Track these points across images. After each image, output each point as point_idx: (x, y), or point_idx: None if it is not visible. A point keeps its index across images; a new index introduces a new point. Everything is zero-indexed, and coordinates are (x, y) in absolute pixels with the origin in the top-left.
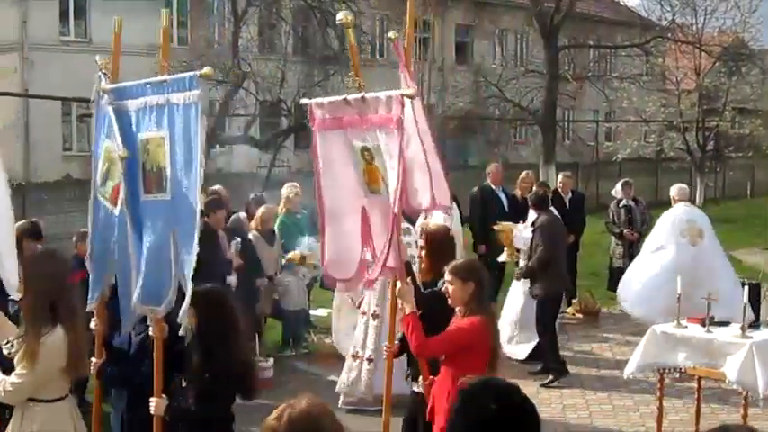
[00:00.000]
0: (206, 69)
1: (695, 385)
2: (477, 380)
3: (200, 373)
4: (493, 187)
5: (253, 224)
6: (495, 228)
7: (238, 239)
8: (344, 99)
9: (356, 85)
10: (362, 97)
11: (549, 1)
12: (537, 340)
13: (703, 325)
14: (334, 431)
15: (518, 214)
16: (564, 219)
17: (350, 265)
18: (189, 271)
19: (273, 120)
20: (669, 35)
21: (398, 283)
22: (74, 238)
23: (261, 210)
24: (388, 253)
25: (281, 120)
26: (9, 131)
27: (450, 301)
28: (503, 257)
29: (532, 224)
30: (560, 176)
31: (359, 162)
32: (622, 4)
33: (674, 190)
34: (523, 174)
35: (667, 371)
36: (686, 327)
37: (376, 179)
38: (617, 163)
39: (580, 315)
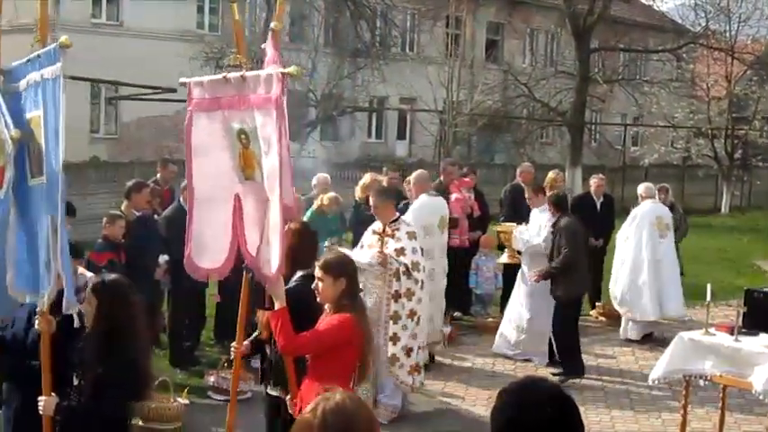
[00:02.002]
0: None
1: (719, 394)
2: (523, 382)
3: (94, 368)
4: (524, 186)
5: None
6: (496, 228)
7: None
8: (224, 77)
9: (237, 63)
10: (242, 76)
11: (582, 2)
12: (544, 347)
13: (731, 333)
14: (369, 425)
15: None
16: (594, 222)
17: (216, 254)
18: (67, 261)
19: (301, 111)
20: (702, 41)
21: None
22: (103, 220)
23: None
24: (261, 243)
25: (309, 110)
26: None
27: (319, 299)
28: (503, 259)
29: (553, 225)
30: (593, 179)
31: (235, 146)
32: (656, 8)
33: (642, 188)
34: (553, 173)
35: (693, 378)
36: (714, 335)
37: (251, 164)
38: (643, 168)
39: (603, 318)
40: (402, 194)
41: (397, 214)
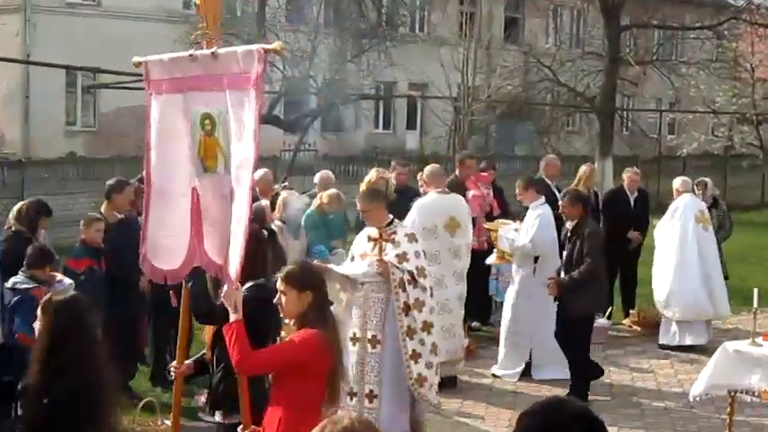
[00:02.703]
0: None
1: (765, 410)
2: (547, 401)
3: (37, 398)
4: (548, 181)
5: (276, 212)
6: (485, 225)
7: (265, 233)
8: (190, 55)
9: (205, 39)
10: (213, 53)
11: None
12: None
13: None
14: None
15: None
16: (628, 219)
17: (175, 255)
18: None
19: (301, 98)
20: (745, 17)
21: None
22: (81, 223)
23: (283, 195)
24: (224, 245)
25: (309, 98)
26: (7, 102)
27: (282, 314)
28: (491, 259)
29: (574, 230)
30: (627, 172)
31: (196, 133)
32: None
33: (678, 182)
34: (587, 167)
35: (739, 394)
36: (762, 345)
37: (213, 154)
38: (681, 158)
39: (638, 327)
40: (416, 191)
41: (390, 216)
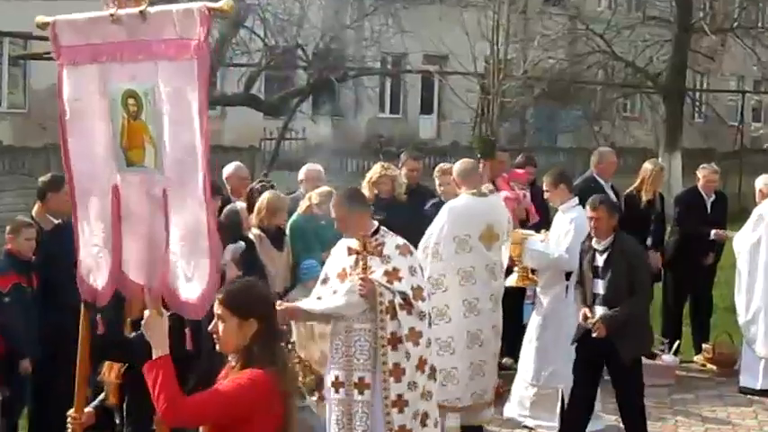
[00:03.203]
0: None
1: None
2: None
3: None
4: (601, 181)
5: (254, 218)
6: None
7: (241, 244)
8: (110, 15)
9: None
10: (141, 12)
11: None
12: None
13: None
14: None
15: (637, 222)
16: (705, 228)
17: (100, 272)
18: None
19: (286, 74)
20: None
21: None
22: (7, 229)
23: (265, 197)
24: (151, 261)
25: (297, 74)
26: None
27: (219, 346)
28: (510, 281)
29: (612, 245)
30: (703, 170)
31: (117, 115)
32: None
33: (761, 181)
34: (652, 165)
35: None
36: None
37: (139, 143)
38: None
39: (713, 366)
40: (432, 192)
41: (376, 223)
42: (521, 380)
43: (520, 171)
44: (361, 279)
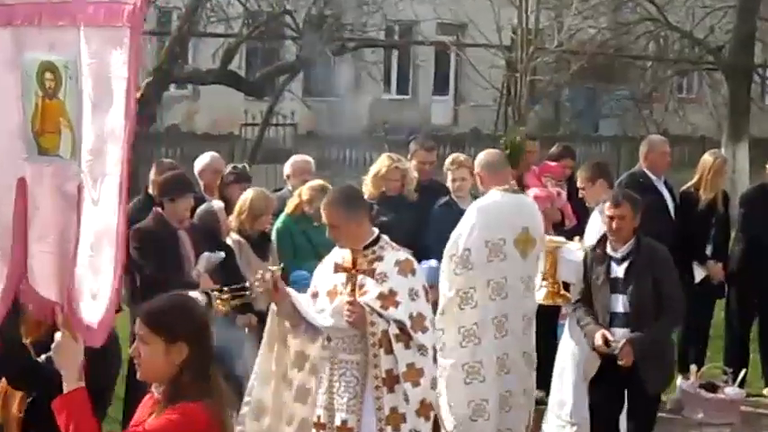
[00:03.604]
0: None
1: None
2: None
3: None
4: (651, 177)
5: (233, 220)
6: None
7: (221, 254)
8: None
9: None
10: None
11: None
12: None
13: None
14: None
15: (695, 226)
16: None
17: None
18: None
19: (271, 46)
20: None
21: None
22: None
23: (247, 196)
24: (63, 272)
25: (285, 46)
26: None
27: (140, 373)
28: (540, 297)
29: (632, 254)
30: None
31: (30, 93)
32: None
33: None
34: (713, 156)
35: None
36: None
37: (54, 127)
38: None
39: None
40: (445, 189)
41: (376, 232)
42: (553, 416)
43: (553, 164)
44: (349, 303)
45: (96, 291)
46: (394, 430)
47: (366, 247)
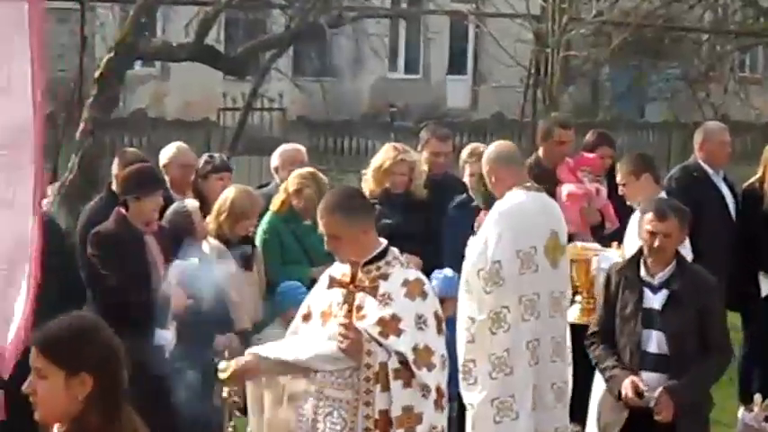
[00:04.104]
0: None
1: None
2: None
3: None
4: (708, 170)
5: (210, 222)
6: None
7: (193, 260)
8: None
9: None
10: None
11: None
12: None
13: None
14: None
15: (760, 227)
16: None
17: None
18: None
19: (255, 16)
20: None
21: None
22: None
23: (228, 194)
24: None
25: (271, 15)
26: None
27: (38, 413)
28: (573, 315)
29: (673, 280)
30: None
31: None
32: None
33: None
34: None
35: None
36: None
37: None
38: None
39: None
40: (461, 185)
41: (384, 243)
42: None
43: (590, 155)
44: (344, 326)
45: (8, 312)
46: None
47: (370, 262)
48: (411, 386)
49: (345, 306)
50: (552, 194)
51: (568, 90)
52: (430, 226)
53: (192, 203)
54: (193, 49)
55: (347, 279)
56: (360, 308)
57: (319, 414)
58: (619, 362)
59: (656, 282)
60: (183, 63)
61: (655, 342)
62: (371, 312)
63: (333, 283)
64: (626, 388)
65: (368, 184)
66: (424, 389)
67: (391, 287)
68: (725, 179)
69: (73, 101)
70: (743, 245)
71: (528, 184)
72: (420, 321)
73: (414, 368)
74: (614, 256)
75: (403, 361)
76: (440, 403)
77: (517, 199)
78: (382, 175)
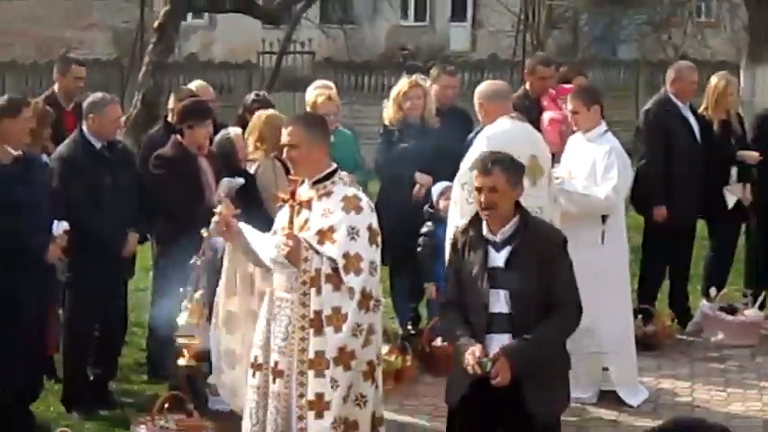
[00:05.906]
0: None
1: None
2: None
3: None
4: (678, 103)
5: (250, 143)
6: None
7: (238, 180)
8: None
9: None
10: None
11: None
12: None
13: None
14: None
15: (713, 149)
16: None
17: None
18: None
19: None
20: None
21: None
22: None
23: (260, 114)
24: None
25: None
26: None
27: None
28: None
29: (515, 236)
30: None
31: None
32: None
33: None
34: (719, 78)
35: None
36: None
37: None
38: None
39: None
40: (468, 115)
41: (334, 165)
42: None
43: (568, 86)
44: (287, 236)
45: None
46: (316, 376)
47: (319, 180)
48: (340, 290)
49: (289, 219)
50: (538, 120)
51: (553, 34)
52: (441, 150)
53: (234, 131)
54: (235, 2)
55: (287, 196)
56: (306, 221)
57: (272, 311)
58: (468, 329)
59: (498, 239)
60: (228, 14)
61: (502, 301)
62: (314, 224)
63: (277, 199)
64: (467, 363)
65: (388, 112)
66: (350, 291)
67: (332, 202)
68: (691, 108)
69: (135, 48)
70: (706, 164)
71: (513, 115)
72: (353, 232)
73: (342, 273)
74: (564, 176)
75: (335, 267)
76: (365, 304)
77: (502, 127)
78: (401, 98)
